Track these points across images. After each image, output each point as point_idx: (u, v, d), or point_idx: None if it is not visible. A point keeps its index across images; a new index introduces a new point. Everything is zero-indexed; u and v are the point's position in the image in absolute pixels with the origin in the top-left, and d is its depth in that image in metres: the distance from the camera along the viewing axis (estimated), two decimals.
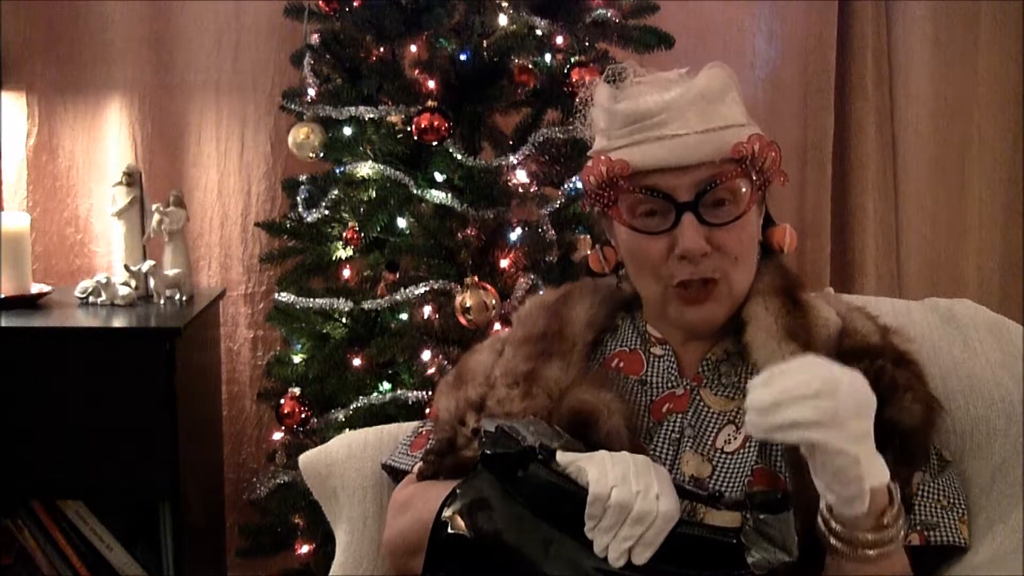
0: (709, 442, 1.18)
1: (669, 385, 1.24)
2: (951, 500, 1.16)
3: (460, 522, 1.07)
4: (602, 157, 1.18)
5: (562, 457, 1.04)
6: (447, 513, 1.08)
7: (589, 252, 1.33)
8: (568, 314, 1.29)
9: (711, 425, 1.20)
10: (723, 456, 1.17)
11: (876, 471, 0.97)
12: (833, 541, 1.00)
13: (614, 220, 1.22)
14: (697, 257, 1.15)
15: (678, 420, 1.21)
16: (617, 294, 1.33)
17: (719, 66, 1.20)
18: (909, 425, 1.11)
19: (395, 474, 1.39)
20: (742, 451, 1.16)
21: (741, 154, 1.14)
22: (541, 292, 1.88)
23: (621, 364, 1.28)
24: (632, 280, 1.25)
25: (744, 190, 1.16)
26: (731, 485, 1.14)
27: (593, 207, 1.23)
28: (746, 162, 1.15)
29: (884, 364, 1.14)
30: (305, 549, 2.26)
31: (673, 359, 1.25)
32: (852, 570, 1.01)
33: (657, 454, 1.19)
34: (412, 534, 1.19)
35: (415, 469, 1.29)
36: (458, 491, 1.09)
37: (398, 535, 1.24)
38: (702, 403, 1.22)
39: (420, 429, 1.40)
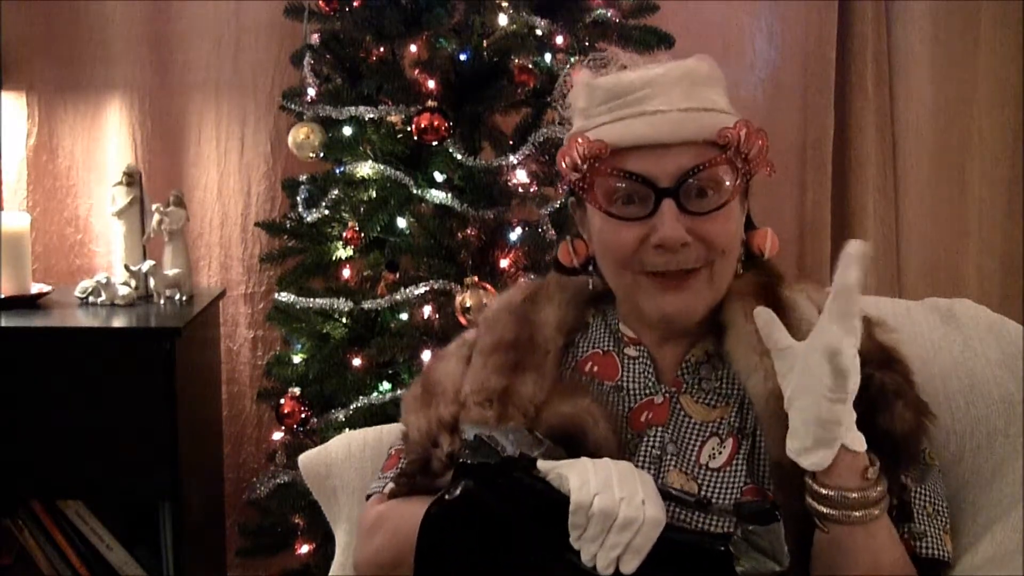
0: (693, 458, 1.14)
1: (647, 392, 1.19)
2: (936, 507, 1.14)
3: (452, 521, 1.03)
4: (579, 138, 1.12)
5: (543, 465, 1.00)
6: (436, 511, 1.03)
7: (559, 244, 1.26)
8: (537, 317, 1.24)
9: (694, 438, 1.15)
10: (709, 473, 1.13)
11: (853, 434, 1.01)
12: (819, 506, 1.02)
13: (589, 206, 1.15)
14: (675, 247, 1.09)
15: (659, 434, 1.16)
16: (586, 290, 1.27)
17: (706, 58, 1.16)
18: (901, 433, 1.09)
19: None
20: (729, 468, 1.13)
21: (726, 139, 1.09)
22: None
23: (595, 368, 1.23)
24: (603, 273, 1.19)
25: (727, 180, 1.11)
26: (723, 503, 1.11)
27: (568, 195, 1.17)
28: (731, 149, 1.09)
29: (872, 372, 1.08)
30: (305, 549, 2.26)
31: (649, 361, 1.21)
32: (840, 540, 1.02)
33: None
34: (388, 551, 1.15)
35: (385, 490, 1.23)
36: (446, 495, 1.04)
37: (373, 554, 1.19)
38: (683, 413, 1.17)
39: (390, 449, 1.32)
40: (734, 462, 1.13)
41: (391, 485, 1.22)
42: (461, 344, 1.29)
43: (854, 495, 1.01)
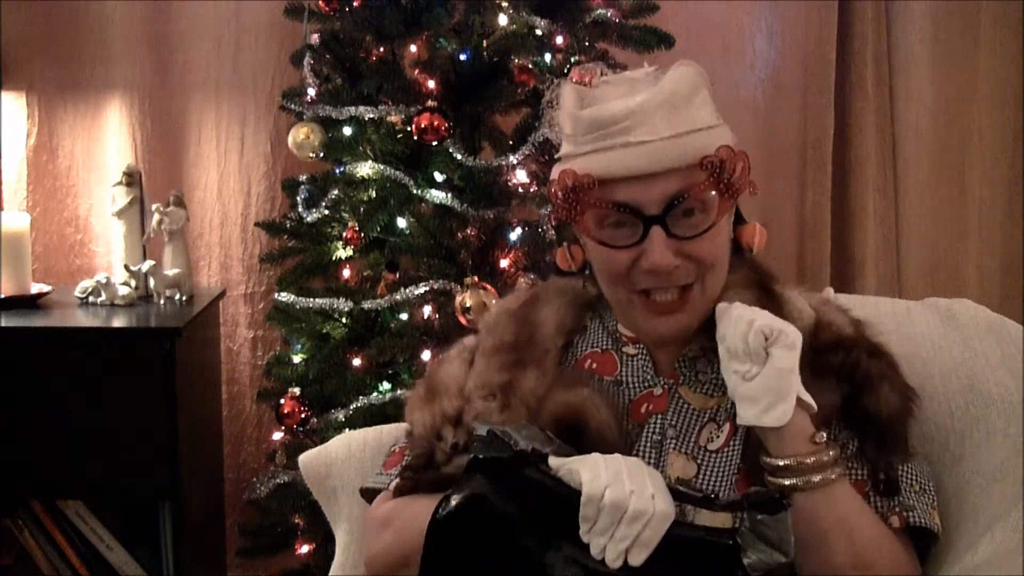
0: (692, 439, 1.19)
1: (646, 384, 1.24)
2: (922, 486, 1.17)
3: (457, 524, 1.05)
4: (567, 170, 1.15)
5: (554, 460, 1.03)
6: (442, 514, 1.06)
7: (557, 250, 1.31)
8: (537, 319, 1.27)
9: (693, 423, 1.20)
10: (707, 455, 1.17)
11: (803, 390, 1.08)
12: (779, 479, 1.08)
13: (582, 233, 1.20)
14: (667, 271, 1.14)
15: (659, 421, 1.20)
16: (584, 295, 1.31)
17: (688, 65, 1.17)
18: (887, 415, 1.14)
19: (372, 496, 1.34)
20: (726, 450, 1.16)
21: (709, 166, 1.12)
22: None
23: (594, 365, 1.27)
24: (599, 284, 1.24)
25: (713, 202, 1.14)
26: (718, 485, 1.15)
27: (561, 219, 1.22)
28: (715, 173, 1.12)
29: (859, 355, 1.16)
30: (305, 549, 2.26)
31: (648, 357, 1.25)
32: (804, 511, 1.05)
33: (641, 458, 1.17)
34: (395, 550, 1.19)
35: (391, 486, 1.27)
36: (452, 496, 1.07)
37: (380, 553, 1.23)
38: (682, 400, 1.21)
39: (393, 447, 1.36)
40: (731, 444, 1.17)
41: (397, 480, 1.26)
42: (462, 349, 1.33)
43: (809, 460, 1.07)
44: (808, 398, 1.08)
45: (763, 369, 1.07)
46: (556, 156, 1.22)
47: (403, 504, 1.22)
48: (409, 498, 1.22)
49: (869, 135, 2.77)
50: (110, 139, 2.64)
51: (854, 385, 1.14)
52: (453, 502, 1.06)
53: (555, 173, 1.19)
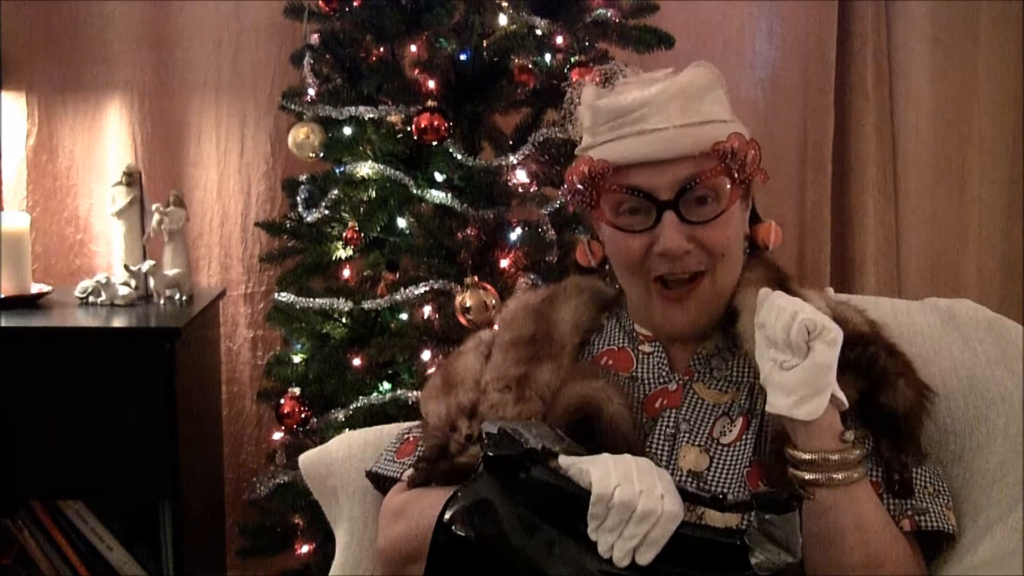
0: (705, 432, 1.20)
1: (661, 381, 1.25)
2: (936, 488, 1.18)
3: (462, 524, 1.06)
4: (584, 157, 1.20)
5: (564, 459, 1.04)
6: (448, 515, 1.08)
7: (578, 246, 1.35)
8: (554, 316, 1.30)
9: (706, 417, 1.21)
10: (720, 448, 1.18)
11: (837, 388, 1.07)
12: (802, 473, 1.07)
13: (598, 220, 1.23)
14: (678, 255, 1.16)
15: (672, 415, 1.22)
16: (602, 294, 1.35)
17: (704, 65, 1.22)
18: (902, 410, 1.15)
19: (380, 481, 1.37)
20: (739, 444, 1.18)
21: (720, 152, 1.15)
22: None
23: (610, 362, 1.29)
24: (617, 276, 1.27)
25: (725, 188, 1.17)
26: (729, 478, 1.16)
27: (578, 206, 1.25)
28: (726, 159, 1.16)
29: (877, 351, 1.17)
30: (305, 549, 2.26)
31: (663, 355, 1.27)
32: (823, 506, 1.06)
33: (654, 451, 1.19)
34: (407, 542, 1.20)
35: (404, 476, 1.29)
36: (459, 494, 1.08)
37: (393, 543, 1.24)
38: (696, 396, 1.23)
39: (406, 435, 1.38)
40: (743, 438, 1.18)
41: (411, 471, 1.27)
42: (478, 343, 1.35)
43: (835, 457, 1.07)
44: (842, 396, 1.08)
45: (803, 362, 1.06)
46: (575, 152, 1.25)
47: (416, 496, 1.24)
48: (422, 490, 1.23)
49: (869, 135, 2.77)
50: (110, 139, 2.64)
51: (871, 381, 1.16)
52: (458, 506, 1.06)
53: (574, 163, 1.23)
